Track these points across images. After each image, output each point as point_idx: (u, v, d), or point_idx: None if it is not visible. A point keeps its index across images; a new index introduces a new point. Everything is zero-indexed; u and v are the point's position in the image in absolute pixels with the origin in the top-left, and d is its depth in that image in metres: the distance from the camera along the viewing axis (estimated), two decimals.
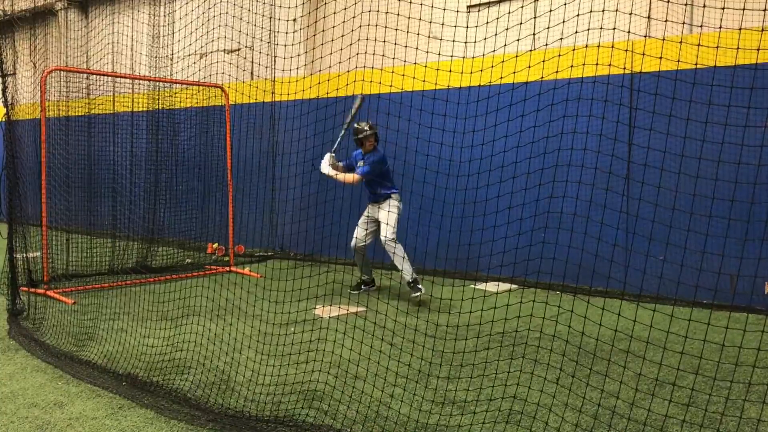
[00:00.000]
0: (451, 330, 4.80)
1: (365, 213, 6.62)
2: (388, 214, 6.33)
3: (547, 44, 4.42)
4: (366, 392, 3.73)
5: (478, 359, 4.34)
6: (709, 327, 3.82)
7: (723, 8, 3.53)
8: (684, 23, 6.08)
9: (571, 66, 5.38)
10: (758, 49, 4.44)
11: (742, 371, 4.01)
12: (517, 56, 6.12)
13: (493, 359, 4.25)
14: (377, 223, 6.52)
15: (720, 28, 3.54)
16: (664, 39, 4.26)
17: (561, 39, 3.86)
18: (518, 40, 4.36)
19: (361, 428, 3.32)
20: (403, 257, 6.24)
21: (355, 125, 6.45)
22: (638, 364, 4.16)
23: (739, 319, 5.28)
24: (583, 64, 5.81)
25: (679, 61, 3.92)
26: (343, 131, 6.45)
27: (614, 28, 4.03)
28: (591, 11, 3.82)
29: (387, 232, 6.26)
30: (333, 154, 6.48)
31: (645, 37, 4.14)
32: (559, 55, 4.30)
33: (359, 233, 6.57)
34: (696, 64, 3.88)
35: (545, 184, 6.29)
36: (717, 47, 4.40)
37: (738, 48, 4.16)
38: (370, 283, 6.85)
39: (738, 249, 5.65)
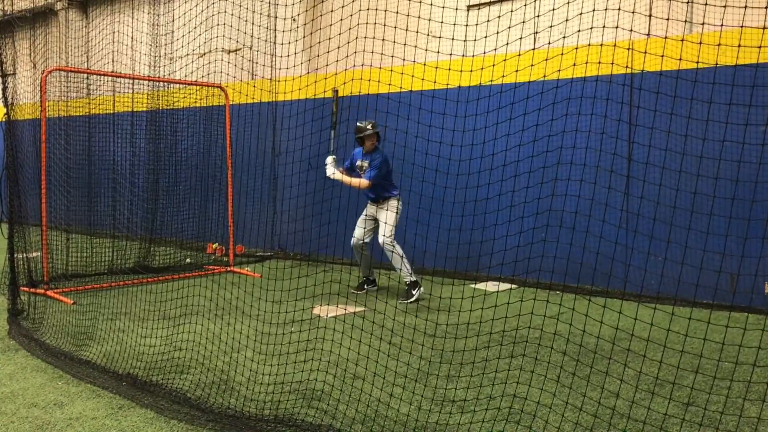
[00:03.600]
0: (451, 329, 4.80)
1: (364, 212, 6.61)
2: (387, 213, 6.33)
3: (549, 43, 4.40)
4: (366, 392, 3.73)
5: (478, 358, 4.33)
6: (709, 326, 3.81)
7: (725, 6, 3.53)
8: (685, 21, 6.07)
9: (574, 65, 5.37)
10: (759, 47, 4.43)
11: (742, 370, 4.01)
12: (519, 55, 6.11)
13: (493, 358, 4.25)
14: (376, 221, 6.52)
15: (721, 26, 3.53)
16: (665, 37, 4.25)
17: (564, 38, 3.86)
18: (520, 38, 4.35)
19: (361, 428, 3.31)
20: (402, 257, 6.24)
21: (358, 124, 6.43)
22: (638, 363, 4.15)
23: (739, 318, 5.27)
24: (586, 63, 5.80)
25: (680, 59, 3.91)
26: (332, 130, 6.47)
27: (616, 27, 4.02)
28: (594, 10, 3.80)
29: (385, 231, 6.26)
30: (334, 156, 6.48)
31: (646, 35, 4.13)
32: (562, 54, 4.30)
33: (357, 232, 6.58)
34: (697, 62, 3.87)
35: (546, 183, 6.29)
36: (718, 45, 4.38)
37: (739, 46, 4.15)
38: (372, 282, 6.85)
39: (739, 248, 5.64)
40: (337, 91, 6.45)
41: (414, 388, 3.85)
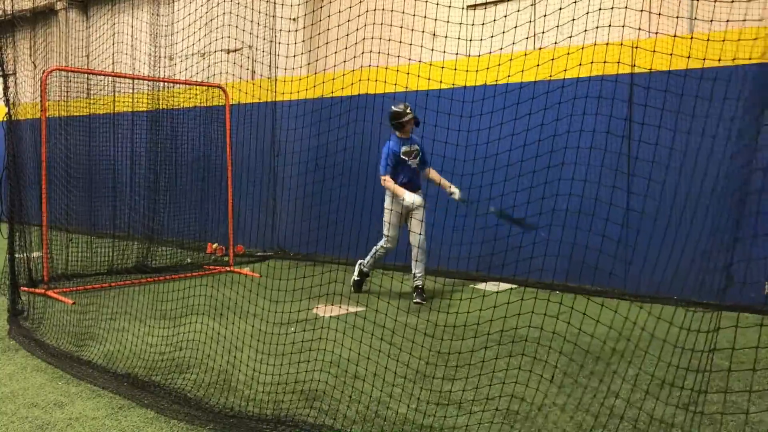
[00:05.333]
0: (451, 329, 4.80)
1: (400, 209, 6.21)
2: (424, 211, 6.22)
3: (556, 42, 4.39)
4: (365, 392, 3.73)
5: (477, 359, 4.33)
6: (709, 327, 3.81)
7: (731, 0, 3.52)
8: (694, 19, 6.07)
9: (579, 65, 5.35)
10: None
11: (742, 370, 4.01)
12: (526, 54, 6.10)
13: (492, 359, 4.25)
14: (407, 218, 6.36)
15: (727, 21, 3.52)
16: (656, 33, 4.25)
17: (570, 38, 3.85)
18: (527, 38, 4.34)
19: (361, 428, 3.31)
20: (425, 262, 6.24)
21: (394, 108, 6.19)
22: (638, 362, 4.15)
23: (738, 318, 5.27)
24: (592, 62, 5.78)
25: (689, 57, 3.91)
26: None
27: (623, 26, 4.00)
28: (600, 8, 3.78)
29: (421, 241, 6.16)
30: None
31: (655, 33, 4.12)
32: (568, 53, 4.29)
33: (396, 233, 6.33)
34: (704, 59, 3.86)
35: (551, 182, 6.28)
36: (723, 40, 4.37)
37: (739, 40, 4.14)
38: (367, 275, 6.79)
39: (738, 248, 5.64)
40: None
41: (414, 389, 3.85)
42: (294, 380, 3.94)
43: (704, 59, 4.66)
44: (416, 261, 6.16)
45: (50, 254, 6.82)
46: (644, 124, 6.13)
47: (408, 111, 6.18)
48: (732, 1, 4.68)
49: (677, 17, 5.71)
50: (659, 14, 4.96)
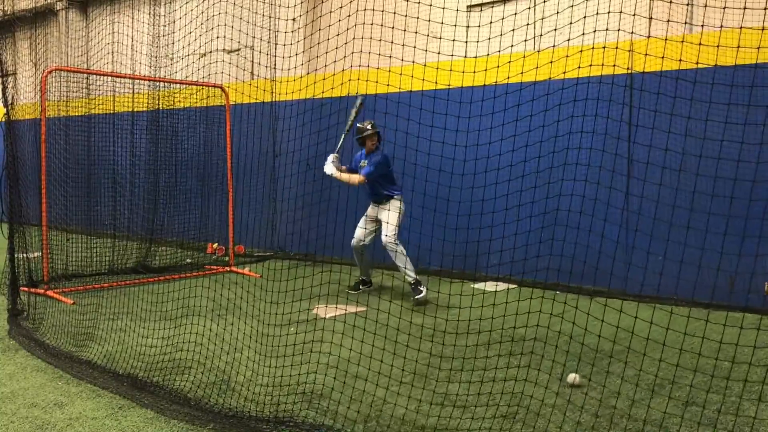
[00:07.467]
0: (451, 329, 4.80)
1: (366, 213, 6.62)
2: (389, 213, 6.33)
3: (555, 44, 4.40)
4: (366, 392, 3.73)
5: (478, 358, 4.33)
6: (708, 326, 3.82)
7: (724, 7, 3.53)
8: (686, 23, 6.08)
9: (579, 67, 5.36)
10: (758, 48, 4.43)
11: (741, 370, 4.01)
12: (524, 56, 6.11)
13: (493, 358, 4.25)
14: (378, 222, 6.53)
15: (721, 27, 3.53)
16: (646, 36, 4.26)
17: (569, 40, 3.86)
18: (525, 40, 4.35)
19: (361, 428, 3.32)
20: (405, 258, 6.27)
21: (358, 125, 6.46)
22: (638, 362, 4.16)
23: (737, 318, 5.28)
24: (591, 65, 5.79)
25: (681, 60, 3.92)
26: (344, 132, 6.44)
27: (606, 30, 4.02)
28: (594, 13, 3.79)
29: (388, 231, 6.27)
30: (336, 155, 6.47)
31: (648, 37, 4.13)
32: (567, 56, 4.30)
33: (358, 233, 6.59)
34: (697, 63, 3.88)
35: (545, 184, 6.29)
36: (717, 46, 4.40)
37: (738, 47, 4.16)
38: (367, 283, 6.86)
39: (738, 248, 5.65)
40: (364, 97, 6.43)
41: (414, 388, 3.85)
42: (294, 380, 3.95)
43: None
44: (397, 263, 6.34)
45: (50, 254, 6.82)
46: (653, 128, 6.14)
47: (368, 127, 6.39)
48: None
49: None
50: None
